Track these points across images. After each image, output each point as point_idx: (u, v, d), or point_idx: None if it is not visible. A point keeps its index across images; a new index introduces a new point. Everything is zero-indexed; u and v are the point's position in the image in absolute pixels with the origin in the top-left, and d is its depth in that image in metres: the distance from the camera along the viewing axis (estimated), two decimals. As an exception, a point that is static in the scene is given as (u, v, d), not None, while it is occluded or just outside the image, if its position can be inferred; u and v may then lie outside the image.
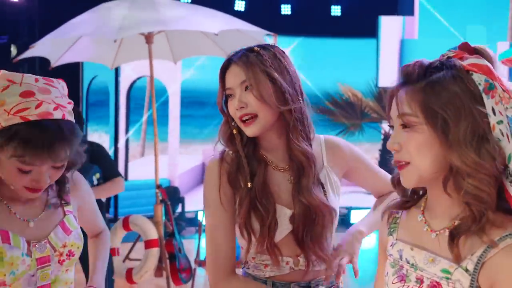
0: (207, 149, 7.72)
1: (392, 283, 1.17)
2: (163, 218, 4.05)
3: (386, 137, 8.01)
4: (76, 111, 3.43)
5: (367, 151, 7.75)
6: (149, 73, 4.16)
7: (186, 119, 7.74)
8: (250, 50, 1.51)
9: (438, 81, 1.05)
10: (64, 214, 1.51)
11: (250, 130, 1.49)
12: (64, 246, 1.47)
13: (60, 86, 1.43)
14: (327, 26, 7.97)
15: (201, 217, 4.13)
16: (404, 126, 1.08)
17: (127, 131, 7.64)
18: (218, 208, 1.50)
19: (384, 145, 7.99)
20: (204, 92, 7.52)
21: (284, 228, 1.49)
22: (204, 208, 1.56)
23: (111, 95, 7.56)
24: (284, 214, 1.49)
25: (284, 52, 1.55)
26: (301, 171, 1.51)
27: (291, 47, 8.02)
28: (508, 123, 1.04)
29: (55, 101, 1.36)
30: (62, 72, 4.38)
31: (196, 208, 7.22)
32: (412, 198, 1.21)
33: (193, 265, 4.11)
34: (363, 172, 1.67)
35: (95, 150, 3.35)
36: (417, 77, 1.08)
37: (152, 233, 3.88)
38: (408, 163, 1.08)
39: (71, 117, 1.40)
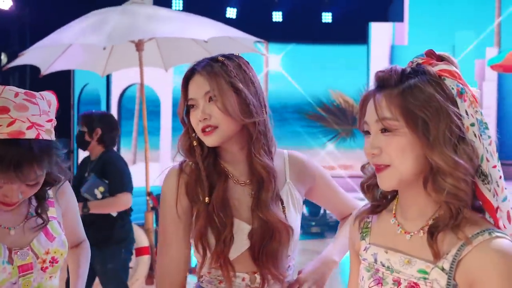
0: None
1: (369, 286, 1.18)
2: (154, 225, 4.04)
3: (378, 142, 8.04)
4: (108, 118, 3.38)
5: (358, 157, 7.77)
6: (140, 81, 4.17)
7: (179, 126, 7.73)
8: (214, 60, 1.47)
9: (416, 85, 1.09)
10: (48, 221, 1.48)
11: (210, 140, 1.44)
12: (47, 253, 1.45)
13: (44, 102, 1.38)
14: (318, 32, 8.02)
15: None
16: (384, 130, 1.11)
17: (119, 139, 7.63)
18: (173, 219, 1.45)
19: (375, 150, 8.02)
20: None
21: (242, 244, 1.44)
22: (159, 217, 1.51)
23: (103, 102, 7.55)
24: (242, 229, 1.44)
25: (248, 63, 1.52)
26: (261, 185, 1.46)
27: (282, 53, 8.04)
28: (478, 125, 1.11)
29: (30, 119, 1.31)
30: (53, 80, 4.39)
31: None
32: (381, 202, 1.24)
33: (184, 272, 4.10)
34: (326, 191, 1.63)
35: (106, 163, 3.27)
36: (394, 82, 1.11)
37: (143, 240, 3.87)
38: (388, 166, 1.11)
39: (48, 136, 1.35)
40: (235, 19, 7.96)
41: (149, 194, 4.02)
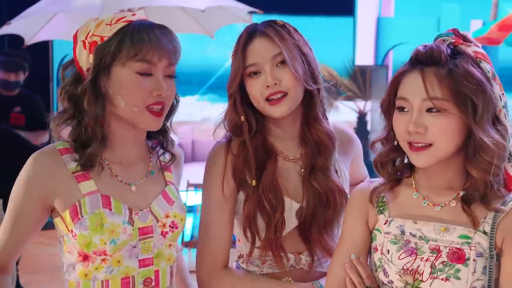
0: (194, 128, 7.62)
1: (399, 259, 1.18)
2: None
3: (361, 115, 8.08)
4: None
5: (342, 129, 7.82)
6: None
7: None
8: (273, 22, 1.38)
9: (462, 67, 1.12)
10: (166, 184, 1.40)
11: (280, 110, 1.33)
12: (167, 216, 1.35)
13: None
14: (301, 4, 7.92)
15: (184, 198, 4.04)
16: (430, 109, 1.12)
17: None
18: (219, 200, 1.38)
19: (359, 123, 8.06)
20: (186, 71, 7.39)
21: (289, 223, 1.38)
22: (202, 196, 1.42)
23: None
24: (291, 208, 1.38)
25: None
26: (320, 152, 1.39)
27: (266, 25, 7.91)
28: (506, 107, 1.17)
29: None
30: (32, 51, 4.24)
31: (181, 188, 7.14)
32: (397, 178, 1.26)
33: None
34: (357, 166, 1.58)
35: None
36: (442, 61, 1.12)
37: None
38: (430, 145, 1.13)
39: None
40: (217, -10, 7.78)
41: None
